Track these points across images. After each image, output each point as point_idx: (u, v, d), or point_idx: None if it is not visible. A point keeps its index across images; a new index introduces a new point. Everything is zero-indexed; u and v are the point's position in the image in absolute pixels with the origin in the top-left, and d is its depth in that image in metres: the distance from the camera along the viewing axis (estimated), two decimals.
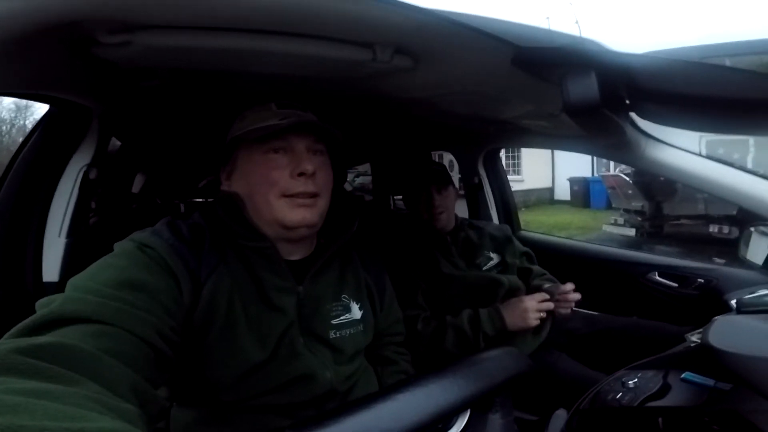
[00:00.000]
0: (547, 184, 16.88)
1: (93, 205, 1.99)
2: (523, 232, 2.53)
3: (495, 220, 2.42)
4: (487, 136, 2.09)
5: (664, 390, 0.80)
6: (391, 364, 1.14)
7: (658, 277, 1.83)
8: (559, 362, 1.49)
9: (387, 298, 1.15)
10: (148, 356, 0.67)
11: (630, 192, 9.34)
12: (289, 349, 0.89)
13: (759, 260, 1.49)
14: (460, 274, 1.58)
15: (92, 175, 1.36)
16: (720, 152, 7.27)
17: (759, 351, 0.73)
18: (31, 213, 1.28)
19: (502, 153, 2.62)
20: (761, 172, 1.23)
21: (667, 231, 9.13)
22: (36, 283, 1.28)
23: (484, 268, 1.63)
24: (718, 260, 3.50)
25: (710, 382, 0.78)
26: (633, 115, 1.15)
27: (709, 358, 0.78)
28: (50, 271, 1.30)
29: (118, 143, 2.15)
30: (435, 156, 3.39)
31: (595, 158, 13.18)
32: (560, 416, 0.81)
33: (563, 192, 15.56)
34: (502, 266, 1.66)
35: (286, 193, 0.90)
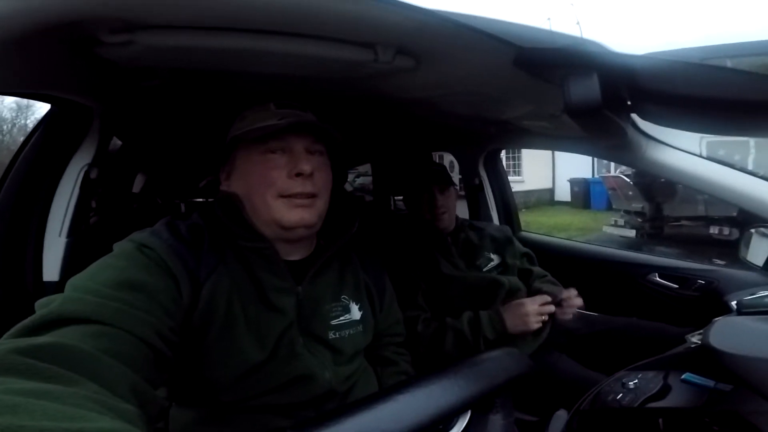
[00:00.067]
0: (548, 185, 16.89)
1: (93, 204, 1.99)
2: (523, 233, 2.53)
3: (495, 220, 2.42)
4: (488, 137, 2.09)
5: (664, 391, 0.80)
6: (391, 365, 1.14)
7: (658, 279, 1.83)
8: (559, 363, 1.49)
9: (387, 298, 1.14)
10: (147, 356, 0.67)
11: (630, 193, 9.34)
12: (288, 349, 0.89)
13: (759, 262, 1.48)
14: (460, 274, 1.58)
15: (93, 174, 1.36)
16: (720, 153, 7.27)
17: (759, 352, 0.73)
18: (32, 212, 1.28)
19: (503, 154, 2.62)
20: (762, 173, 1.23)
21: (667, 232, 9.14)
22: (36, 282, 1.28)
23: (485, 269, 1.63)
24: (718, 261, 3.51)
25: (710, 383, 0.78)
26: (634, 116, 1.15)
27: (710, 359, 0.78)
28: (50, 270, 1.30)
29: (119, 143, 2.15)
30: (435, 157, 3.39)
31: (595, 159, 13.18)
32: (560, 417, 0.81)
33: (563, 193, 15.57)
34: (503, 267, 1.66)
35: (283, 194, 0.90)
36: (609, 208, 11.32)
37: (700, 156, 1.29)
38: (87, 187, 1.36)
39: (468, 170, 2.45)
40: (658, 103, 0.90)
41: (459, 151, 2.52)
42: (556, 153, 13.54)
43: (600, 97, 0.79)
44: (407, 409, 0.51)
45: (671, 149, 1.31)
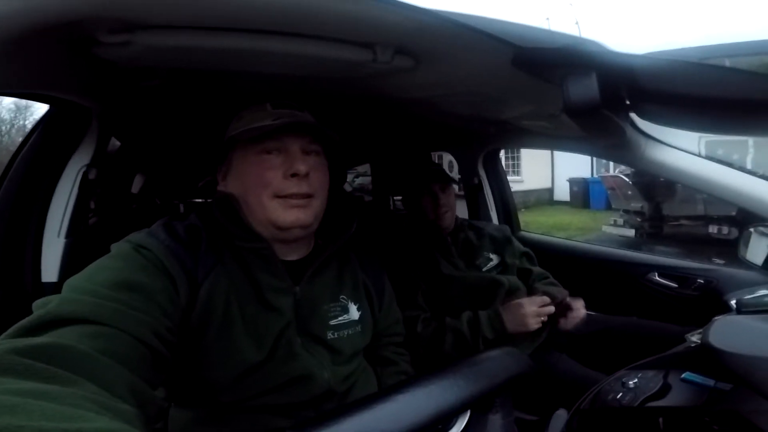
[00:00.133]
0: (547, 184, 16.90)
1: (92, 205, 1.99)
2: (522, 233, 2.52)
3: (495, 220, 2.42)
4: (487, 137, 2.09)
5: (664, 390, 0.80)
6: (390, 365, 1.14)
7: (657, 278, 1.83)
8: (559, 362, 1.49)
9: (386, 298, 1.14)
10: (145, 357, 0.67)
11: (629, 193, 9.35)
12: (286, 349, 0.89)
13: (759, 261, 1.49)
14: (460, 274, 1.58)
15: (91, 175, 1.36)
16: (719, 153, 7.27)
17: (759, 351, 0.73)
18: (31, 213, 1.28)
19: (502, 154, 2.61)
20: (761, 172, 1.23)
21: (666, 231, 9.15)
22: (35, 283, 1.28)
23: (484, 269, 1.63)
24: (717, 261, 3.51)
25: (710, 382, 0.78)
26: (633, 115, 1.15)
27: (710, 358, 0.78)
28: (49, 271, 1.30)
29: (118, 143, 2.15)
30: (435, 156, 3.39)
31: (594, 159, 13.19)
32: (560, 416, 0.80)
33: (563, 193, 15.58)
34: (502, 267, 1.66)
35: (279, 194, 0.90)
36: (608, 207, 11.33)
37: (699, 155, 1.29)
38: (86, 188, 1.35)
39: (467, 170, 2.45)
40: (656, 103, 0.90)
41: (458, 150, 2.52)
42: (555, 153, 13.57)
43: (599, 97, 0.79)
44: (406, 409, 0.51)
45: (670, 149, 1.31)
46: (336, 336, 0.97)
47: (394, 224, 2.22)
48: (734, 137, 7.51)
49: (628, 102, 0.94)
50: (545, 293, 1.50)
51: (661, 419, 0.78)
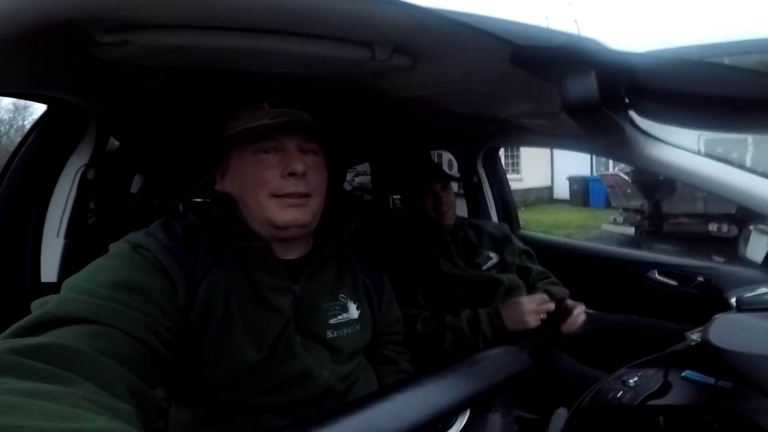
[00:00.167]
0: (546, 183, 16.90)
1: (92, 205, 1.99)
2: (522, 232, 2.52)
3: (494, 219, 2.41)
4: (486, 135, 2.09)
5: (664, 388, 0.80)
6: (390, 364, 1.14)
7: (657, 276, 1.83)
8: (559, 361, 1.49)
9: (385, 297, 1.14)
10: (144, 356, 0.67)
11: (629, 191, 9.35)
12: (286, 348, 0.89)
13: (758, 258, 1.50)
14: (459, 273, 1.58)
15: (90, 175, 1.35)
16: (719, 151, 7.26)
17: (759, 349, 0.73)
18: (29, 213, 1.28)
19: (501, 152, 2.61)
20: (760, 170, 1.23)
21: (666, 229, 9.15)
22: (34, 283, 1.28)
23: (484, 268, 1.62)
24: (717, 258, 3.51)
25: (711, 380, 0.78)
26: (632, 113, 1.15)
27: (710, 356, 0.78)
28: (49, 271, 1.30)
29: (117, 143, 2.15)
30: (434, 155, 3.39)
31: (594, 157, 13.20)
32: (561, 415, 0.80)
33: (562, 191, 15.58)
34: (502, 265, 1.66)
35: (276, 194, 0.90)
36: (608, 205, 11.34)
37: (699, 153, 1.28)
38: (84, 188, 1.35)
39: (466, 169, 2.44)
40: (656, 101, 0.90)
41: (457, 149, 2.51)
42: (555, 151, 13.56)
43: (598, 95, 0.79)
44: (406, 409, 0.51)
45: (670, 147, 1.31)
46: (335, 335, 0.97)
47: (394, 223, 2.22)
48: (734, 135, 7.51)
49: (627, 100, 0.94)
50: (545, 291, 1.50)
51: (661, 418, 0.78)
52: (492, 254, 1.67)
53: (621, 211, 9.88)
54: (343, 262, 1.06)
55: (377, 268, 1.15)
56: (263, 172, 0.90)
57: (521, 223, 2.64)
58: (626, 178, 9.29)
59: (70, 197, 1.33)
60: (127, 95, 1.24)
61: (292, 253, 0.98)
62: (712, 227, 8.06)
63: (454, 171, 2.57)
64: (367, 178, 6.23)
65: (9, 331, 0.58)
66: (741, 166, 1.24)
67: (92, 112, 1.29)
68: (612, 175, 10.10)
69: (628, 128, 1.22)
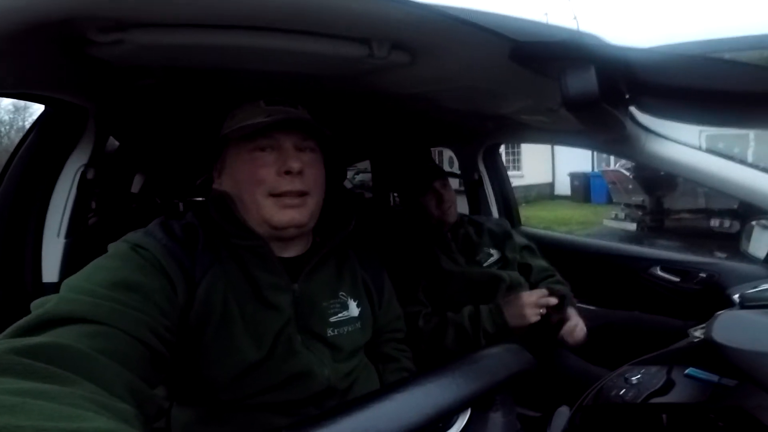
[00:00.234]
0: (548, 179, 16.89)
1: (93, 205, 1.99)
2: (523, 228, 2.52)
3: (495, 215, 2.41)
4: (487, 132, 2.08)
5: (667, 386, 0.80)
6: (392, 362, 1.14)
7: (659, 272, 1.83)
8: (561, 358, 1.48)
9: (386, 295, 1.14)
10: (144, 356, 0.67)
11: (630, 187, 9.35)
12: (286, 347, 0.89)
13: (761, 254, 1.48)
14: (460, 270, 1.57)
15: (90, 175, 1.35)
16: (720, 146, 7.25)
17: (763, 346, 0.72)
18: (29, 213, 1.28)
19: (502, 149, 2.61)
20: (762, 165, 1.23)
21: (668, 225, 9.14)
22: (35, 283, 1.28)
23: (485, 265, 1.62)
24: (719, 254, 3.50)
25: (714, 377, 0.77)
26: (633, 109, 1.15)
27: (713, 353, 0.77)
28: (50, 271, 1.30)
29: (117, 143, 2.14)
30: (434, 152, 3.38)
31: (595, 153, 13.17)
32: (563, 413, 0.80)
33: (563, 187, 15.58)
34: (503, 262, 1.66)
35: (273, 192, 0.90)
36: (609, 201, 11.34)
37: (700, 149, 1.28)
38: (84, 188, 1.35)
39: (467, 165, 2.44)
40: (656, 96, 0.89)
41: (458, 146, 2.51)
42: (556, 147, 13.56)
43: (598, 90, 0.78)
44: (405, 408, 0.51)
45: (671, 142, 1.30)
46: (336, 333, 0.97)
47: (395, 221, 2.21)
48: (735, 130, 7.49)
49: (627, 95, 0.93)
50: (548, 289, 1.49)
51: (664, 416, 0.77)
52: (493, 251, 1.66)
53: (622, 207, 9.88)
54: (343, 260, 1.06)
55: (377, 266, 1.15)
56: (259, 170, 0.90)
57: (522, 219, 2.63)
58: (627, 174, 9.28)
59: (69, 197, 1.33)
60: (125, 95, 1.23)
61: (291, 251, 0.98)
62: (714, 223, 8.04)
63: (455, 168, 2.57)
64: (368, 176, 6.23)
65: (8, 330, 0.58)
66: (742, 162, 1.24)
67: (90, 111, 1.29)
68: (613, 171, 10.08)
69: (629, 124, 1.22)
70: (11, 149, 1.37)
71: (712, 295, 1.58)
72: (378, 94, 1.27)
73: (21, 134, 1.44)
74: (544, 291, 1.43)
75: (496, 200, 2.44)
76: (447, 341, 1.41)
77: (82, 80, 1.05)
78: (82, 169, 1.34)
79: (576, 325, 1.44)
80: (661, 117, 1.08)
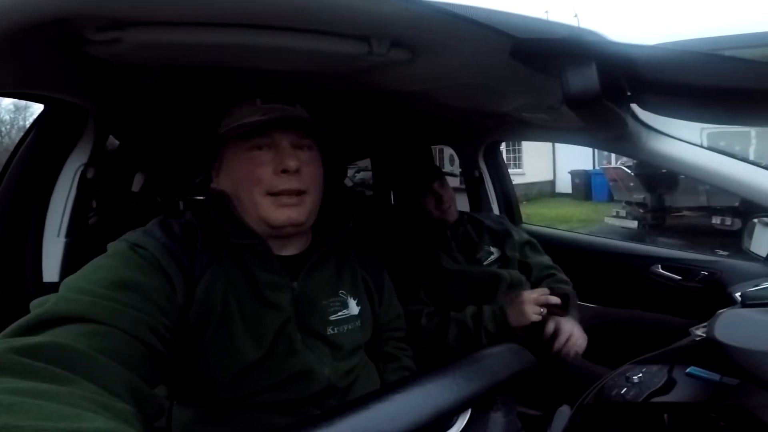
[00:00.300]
0: (549, 177, 16.88)
1: (93, 204, 1.99)
2: (524, 226, 2.51)
3: (496, 213, 2.41)
4: (488, 130, 2.08)
5: (669, 385, 0.80)
6: (392, 360, 1.14)
7: (661, 270, 1.82)
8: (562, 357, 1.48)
9: (386, 294, 1.14)
10: (143, 355, 0.67)
11: (632, 184, 9.34)
12: (286, 345, 0.89)
13: (763, 252, 1.48)
14: (460, 269, 1.57)
15: (90, 174, 1.35)
16: (721, 144, 7.24)
17: (765, 345, 0.72)
18: (29, 213, 1.28)
19: (503, 146, 2.60)
20: (763, 163, 1.22)
21: (669, 223, 9.15)
22: (36, 283, 1.27)
23: (485, 263, 1.62)
24: (721, 252, 3.49)
25: (716, 376, 0.77)
26: (634, 106, 1.14)
27: (715, 352, 0.77)
28: (50, 271, 1.30)
29: (117, 142, 2.14)
30: (435, 150, 3.38)
31: (596, 151, 13.16)
32: (564, 412, 0.80)
33: (565, 185, 15.58)
34: (503, 261, 1.65)
35: (270, 191, 0.89)
36: (610, 199, 11.32)
37: (701, 146, 1.28)
38: (84, 187, 1.35)
39: (468, 163, 2.44)
40: (658, 93, 0.89)
41: (459, 144, 2.51)
42: (557, 145, 13.52)
43: (599, 87, 0.78)
44: (405, 409, 0.50)
45: (672, 140, 1.30)
46: (336, 331, 0.97)
47: (395, 219, 2.21)
48: (736, 128, 7.47)
49: (629, 92, 0.93)
50: (551, 288, 1.48)
51: (666, 415, 0.77)
52: (493, 249, 1.66)
53: (624, 204, 9.87)
54: (343, 259, 1.06)
55: (377, 265, 1.15)
56: (256, 169, 0.90)
57: (523, 217, 2.63)
58: (628, 171, 9.27)
59: (70, 196, 1.33)
60: (123, 94, 1.23)
61: (290, 250, 0.98)
62: (716, 220, 8.04)
63: (456, 166, 2.57)
64: (368, 174, 6.22)
65: (7, 330, 0.58)
66: (744, 159, 1.23)
67: (90, 111, 1.29)
68: (614, 168, 10.07)
69: (630, 121, 1.22)
70: (12, 148, 1.37)
71: (714, 294, 1.58)
72: (378, 91, 1.27)
73: (21, 133, 1.44)
74: (545, 290, 1.42)
75: (497, 198, 2.43)
76: (449, 339, 1.41)
77: (81, 80, 1.05)
78: (82, 169, 1.33)
79: (570, 336, 1.41)
80: (662, 114, 1.07)
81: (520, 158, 17.28)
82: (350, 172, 6.59)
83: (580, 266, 1.88)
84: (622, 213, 9.77)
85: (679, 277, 1.76)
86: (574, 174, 14.52)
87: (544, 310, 1.38)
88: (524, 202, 12.89)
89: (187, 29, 0.77)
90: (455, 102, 1.40)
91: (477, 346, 1.19)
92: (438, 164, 1.85)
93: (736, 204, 7.57)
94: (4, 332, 0.57)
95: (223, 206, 0.93)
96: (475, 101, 1.39)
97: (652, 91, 0.88)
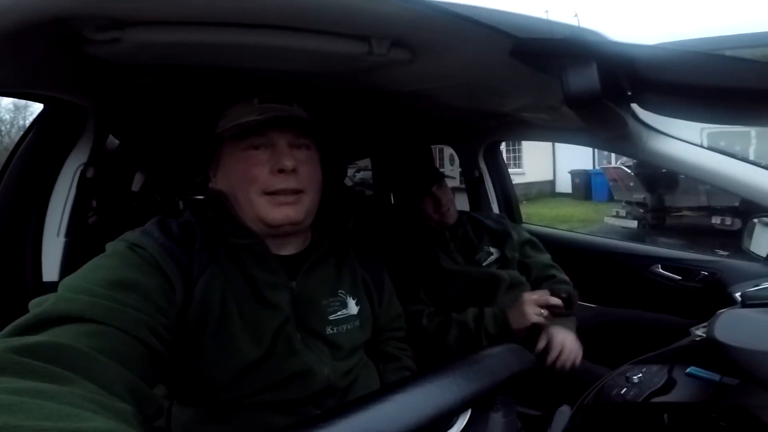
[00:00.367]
0: (549, 176, 16.88)
1: (93, 203, 1.99)
2: (524, 225, 2.51)
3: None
4: (488, 130, 2.08)
5: (669, 385, 0.80)
6: (392, 360, 1.13)
7: (661, 270, 1.82)
8: None
9: (386, 293, 1.14)
10: (143, 355, 0.66)
11: (632, 184, 9.33)
12: (285, 345, 0.89)
13: (763, 252, 1.48)
14: (460, 269, 1.57)
15: (89, 173, 1.35)
16: (721, 144, 7.23)
17: (765, 345, 0.72)
18: (29, 212, 1.28)
19: (503, 146, 2.60)
20: (764, 163, 1.22)
21: (669, 223, 9.14)
22: (36, 283, 1.27)
23: (484, 264, 1.61)
24: (721, 252, 3.49)
25: (716, 377, 0.77)
26: (634, 106, 1.14)
27: (715, 352, 0.77)
28: (50, 270, 1.30)
29: (116, 142, 2.14)
30: (435, 150, 3.37)
31: (596, 150, 13.16)
32: (564, 412, 0.80)
33: (565, 185, 15.57)
34: (502, 262, 1.65)
35: (267, 191, 0.89)
36: (610, 199, 11.31)
37: (701, 146, 1.28)
38: (84, 187, 1.35)
39: (468, 163, 2.44)
40: (658, 93, 0.89)
41: (459, 144, 2.51)
42: (557, 144, 13.52)
43: (599, 87, 0.78)
44: (405, 409, 0.50)
45: (672, 140, 1.30)
46: (335, 331, 0.97)
47: (395, 219, 2.21)
48: (737, 128, 7.47)
49: (629, 92, 0.92)
50: (550, 290, 1.47)
51: (666, 415, 0.77)
52: (492, 250, 1.65)
53: (624, 204, 9.86)
54: (342, 258, 1.06)
55: (377, 264, 1.15)
56: (252, 169, 0.90)
57: (523, 217, 2.63)
58: (629, 171, 9.26)
59: (69, 196, 1.33)
60: (123, 93, 1.23)
61: (288, 249, 0.98)
62: (716, 220, 8.03)
63: (456, 166, 2.57)
64: (368, 174, 6.22)
65: (6, 330, 0.58)
66: (744, 159, 1.23)
67: (89, 110, 1.29)
68: (614, 168, 10.07)
69: (631, 121, 1.22)
70: (12, 148, 1.37)
71: (714, 294, 1.58)
72: (378, 91, 1.27)
73: (21, 133, 1.44)
74: (545, 292, 1.42)
75: (497, 198, 2.43)
76: (449, 340, 1.41)
77: (81, 79, 1.05)
78: (81, 168, 1.33)
79: (563, 350, 1.37)
80: (663, 114, 1.07)
81: (520, 158, 17.27)
82: (350, 172, 6.58)
83: (580, 266, 1.88)
84: (622, 213, 9.76)
85: (679, 277, 1.76)
86: (574, 174, 14.51)
87: (545, 312, 1.37)
88: (524, 202, 12.89)
89: (187, 29, 0.77)
90: (455, 102, 1.40)
91: (477, 347, 1.19)
92: (438, 164, 1.84)
93: (736, 204, 7.56)
94: (2, 332, 0.57)
95: (220, 206, 0.93)
96: (476, 101, 1.39)
97: (652, 91, 0.88)
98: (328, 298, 0.98)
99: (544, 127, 1.63)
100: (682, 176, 7.23)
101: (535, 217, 9.90)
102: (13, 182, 1.26)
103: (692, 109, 0.95)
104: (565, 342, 1.38)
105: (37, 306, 0.63)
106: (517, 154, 17.26)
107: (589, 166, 14.50)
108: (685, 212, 8.87)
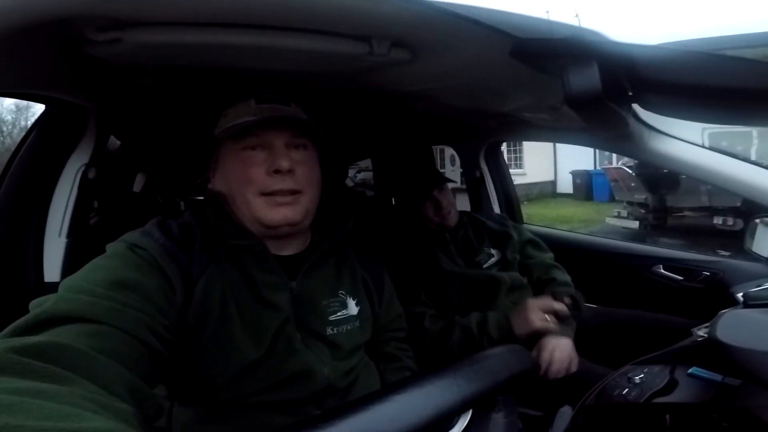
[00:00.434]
0: (550, 177, 16.87)
1: (95, 204, 1.99)
2: (525, 226, 2.51)
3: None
4: (489, 130, 2.08)
5: (671, 386, 0.79)
6: (393, 361, 1.13)
7: (662, 270, 1.82)
8: None
9: (386, 294, 1.14)
10: (143, 355, 0.67)
11: (633, 184, 9.31)
12: (285, 345, 0.89)
13: (765, 252, 1.47)
14: (460, 271, 1.57)
15: (91, 174, 1.35)
16: (723, 144, 7.22)
17: (767, 345, 0.72)
18: (31, 213, 1.28)
19: (504, 147, 2.60)
20: (765, 163, 1.22)
21: (670, 223, 9.12)
22: (37, 283, 1.28)
23: (485, 266, 1.61)
24: (723, 252, 3.48)
25: (718, 377, 0.76)
26: (635, 106, 1.14)
27: (717, 352, 0.76)
28: (51, 271, 1.30)
29: (118, 142, 2.14)
30: (436, 150, 3.37)
31: (597, 151, 13.15)
32: (565, 413, 0.80)
33: (566, 185, 15.56)
34: (503, 263, 1.64)
35: (264, 191, 0.89)
36: (611, 199, 11.30)
37: (703, 146, 1.27)
38: (85, 187, 1.35)
39: (469, 163, 2.44)
40: (659, 93, 0.89)
41: (460, 144, 2.51)
42: (558, 145, 13.52)
43: (600, 87, 0.78)
44: (406, 409, 0.50)
45: (673, 140, 1.30)
46: (335, 331, 0.97)
47: (396, 219, 2.21)
48: (738, 128, 7.46)
49: (630, 93, 0.92)
50: (554, 292, 1.46)
51: (667, 416, 0.77)
52: (493, 251, 1.65)
53: (625, 204, 9.84)
54: (343, 259, 1.06)
55: (377, 265, 1.15)
56: (249, 169, 0.90)
57: (524, 217, 2.63)
58: (630, 171, 9.24)
59: (71, 197, 1.33)
60: (124, 94, 1.23)
61: (288, 250, 0.98)
62: (717, 220, 8.01)
63: (457, 166, 2.57)
64: (369, 174, 6.22)
65: (6, 330, 0.58)
66: (746, 159, 1.23)
67: (91, 111, 1.29)
68: (615, 168, 10.05)
69: (632, 121, 1.21)
70: (14, 149, 1.37)
71: (716, 294, 1.58)
72: (378, 91, 1.27)
73: (23, 134, 1.44)
74: (549, 297, 1.41)
75: (498, 198, 2.44)
76: (452, 343, 1.41)
77: (82, 80, 1.05)
78: (83, 169, 1.33)
79: (551, 362, 1.33)
80: (664, 114, 1.07)
81: (521, 158, 17.26)
82: (351, 173, 6.58)
83: (582, 266, 1.88)
84: (624, 213, 9.75)
85: (681, 278, 1.76)
86: (576, 174, 14.50)
87: (548, 317, 1.36)
88: (525, 203, 12.88)
89: (187, 29, 0.77)
90: (456, 102, 1.40)
91: (479, 350, 1.18)
92: (439, 165, 1.84)
93: (738, 204, 7.54)
94: (2, 332, 0.57)
95: (219, 207, 0.93)
96: (476, 101, 1.39)
97: (653, 91, 0.88)
98: (329, 298, 0.98)
99: (545, 127, 1.63)
100: (684, 176, 7.21)
101: (536, 217, 9.89)
102: (15, 183, 1.26)
103: (693, 109, 0.95)
104: (554, 354, 1.33)
105: (38, 306, 0.64)
106: (518, 155, 17.26)
107: (590, 167, 14.49)
108: (687, 213, 8.85)
